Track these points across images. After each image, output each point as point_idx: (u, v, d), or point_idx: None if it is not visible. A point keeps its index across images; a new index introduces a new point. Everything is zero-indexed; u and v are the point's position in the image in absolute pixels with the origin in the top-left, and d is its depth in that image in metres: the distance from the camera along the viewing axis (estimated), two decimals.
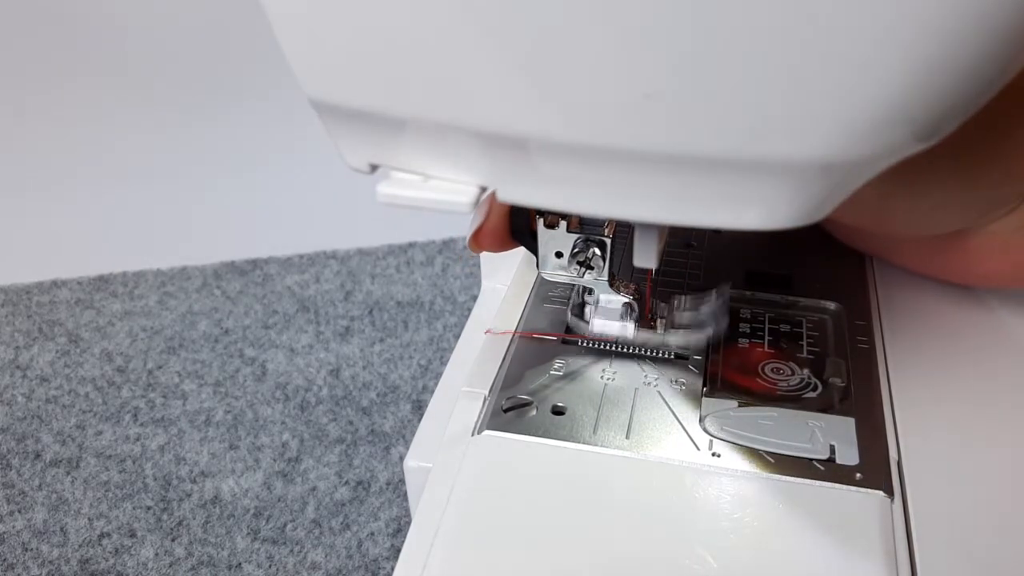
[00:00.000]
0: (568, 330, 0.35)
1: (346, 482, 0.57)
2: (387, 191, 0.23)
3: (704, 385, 0.33)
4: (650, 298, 0.35)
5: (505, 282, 0.40)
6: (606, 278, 0.32)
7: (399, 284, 0.76)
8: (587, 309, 0.35)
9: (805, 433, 0.30)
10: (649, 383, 0.33)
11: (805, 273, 0.39)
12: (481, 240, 0.32)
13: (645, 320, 0.34)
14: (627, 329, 0.34)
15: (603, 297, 0.34)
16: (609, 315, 0.34)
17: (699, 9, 0.17)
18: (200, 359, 0.68)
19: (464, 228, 0.32)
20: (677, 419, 0.31)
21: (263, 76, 0.88)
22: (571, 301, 0.36)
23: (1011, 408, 0.32)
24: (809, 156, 0.19)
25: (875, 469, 0.29)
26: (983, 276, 0.35)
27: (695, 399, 0.32)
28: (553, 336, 0.35)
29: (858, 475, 0.28)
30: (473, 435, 0.31)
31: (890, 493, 0.28)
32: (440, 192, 0.22)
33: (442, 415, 0.34)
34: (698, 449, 0.30)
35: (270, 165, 0.92)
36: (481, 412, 0.32)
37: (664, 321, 0.34)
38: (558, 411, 0.32)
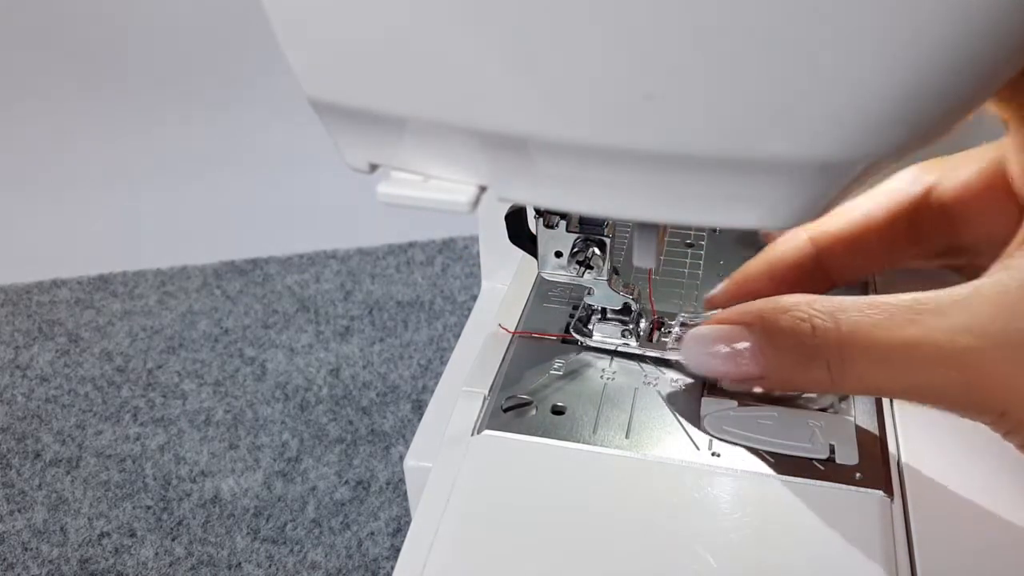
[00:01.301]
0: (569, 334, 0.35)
1: (346, 482, 0.57)
2: (387, 191, 0.23)
3: (704, 385, 0.33)
4: (651, 299, 0.35)
5: (505, 282, 0.40)
6: (606, 278, 0.32)
7: (399, 284, 0.76)
8: (592, 321, 0.34)
9: (805, 433, 0.30)
10: (649, 383, 0.33)
11: None
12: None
13: (646, 338, 0.34)
14: (629, 346, 0.34)
15: (607, 311, 0.34)
16: (611, 332, 0.34)
17: (699, 10, 0.17)
18: (200, 359, 0.68)
19: (463, 228, 0.32)
20: (677, 419, 0.31)
21: (263, 76, 0.89)
22: (575, 316, 0.36)
23: None
24: (808, 156, 0.19)
25: (875, 469, 0.29)
26: None
27: (695, 399, 0.32)
28: (553, 336, 0.35)
29: (858, 475, 0.28)
30: (473, 435, 0.31)
31: (890, 493, 0.28)
32: (440, 192, 0.22)
33: (442, 415, 0.34)
34: (698, 449, 0.30)
35: (270, 165, 0.92)
36: (481, 412, 0.32)
37: (667, 340, 0.34)
38: (558, 411, 0.32)
